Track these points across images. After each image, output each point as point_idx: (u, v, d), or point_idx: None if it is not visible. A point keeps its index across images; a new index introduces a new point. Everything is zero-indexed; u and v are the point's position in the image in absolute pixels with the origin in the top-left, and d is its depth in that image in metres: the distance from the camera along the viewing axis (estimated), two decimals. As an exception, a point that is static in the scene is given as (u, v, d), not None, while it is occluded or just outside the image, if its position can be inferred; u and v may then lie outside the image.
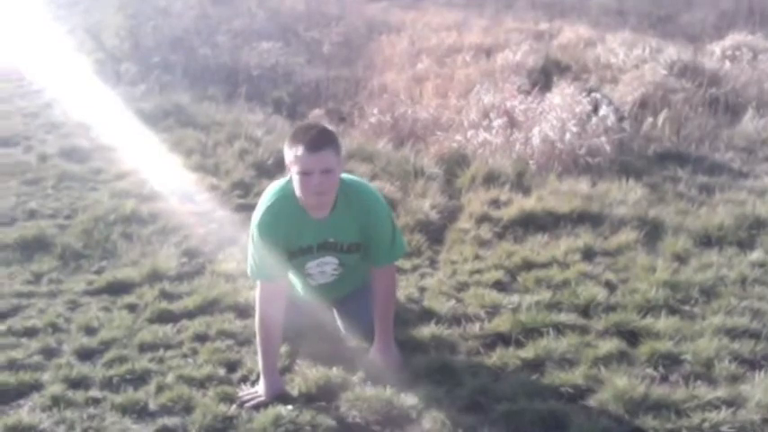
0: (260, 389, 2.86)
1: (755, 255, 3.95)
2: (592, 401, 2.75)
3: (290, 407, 2.74)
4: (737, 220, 4.34)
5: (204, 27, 11.19)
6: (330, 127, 3.02)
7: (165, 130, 6.61)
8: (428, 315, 3.44)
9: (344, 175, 3.00)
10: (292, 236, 2.91)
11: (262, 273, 2.95)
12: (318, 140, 2.71)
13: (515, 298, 3.55)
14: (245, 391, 2.88)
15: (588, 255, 4.05)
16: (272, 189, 2.96)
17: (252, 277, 3.05)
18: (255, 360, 3.08)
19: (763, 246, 4.07)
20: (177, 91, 7.93)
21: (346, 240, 2.97)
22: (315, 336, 3.21)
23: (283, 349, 3.13)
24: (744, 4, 12.13)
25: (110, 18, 10.70)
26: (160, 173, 5.43)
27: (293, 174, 2.76)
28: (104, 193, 5.17)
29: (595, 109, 6.31)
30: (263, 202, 2.93)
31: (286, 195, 2.86)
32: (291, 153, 2.73)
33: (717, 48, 9.49)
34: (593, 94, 6.70)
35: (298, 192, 2.78)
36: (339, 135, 2.91)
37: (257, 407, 2.78)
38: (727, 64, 8.64)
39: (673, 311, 3.39)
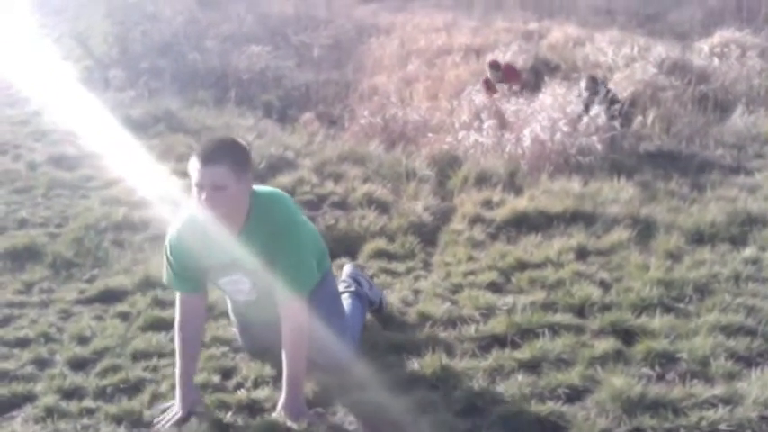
0: (175, 404, 2.77)
1: (748, 251, 3.96)
2: (589, 402, 2.74)
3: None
4: (729, 216, 4.35)
5: (193, 32, 11.18)
6: (239, 141, 2.76)
7: (155, 135, 6.59)
8: (423, 318, 3.42)
9: (262, 190, 2.84)
10: (201, 251, 2.77)
11: (178, 284, 2.85)
12: (212, 154, 2.56)
13: (510, 299, 3.55)
14: (158, 417, 2.77)
15: (582, 254, 4.05)
16: (188, 203, 2.82)
17: (169, 287, 2.93)
18: (251, 366, 3.07)
19: (756, 242, 4.08)
20: (166, 96, 7.91)
21: (254, 260, 2.74)
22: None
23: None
24: (731, 1, 12.21)
25: (98, 25, 10.67)
26: (151, 179, 5.41)
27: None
28: (95, 201, 5.14)
29: (587, 108, 6.37)
30: (177, 217, 2.83)
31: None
32: (191, 163, 2.60)
33: (705, 45, 9.54)
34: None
35: None
36: (246, 150, 2.72)
37: (176, 424, 2.70)
38: (716, 61, 8.70)
39: (667, 310, 3.38)
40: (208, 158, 2.55)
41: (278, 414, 2.71)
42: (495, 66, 8.50)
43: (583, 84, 7.15)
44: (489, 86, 8.30)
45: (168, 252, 2.83)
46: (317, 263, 2.94)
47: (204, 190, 2.56)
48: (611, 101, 6.84)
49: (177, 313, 2.88)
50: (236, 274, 2.84)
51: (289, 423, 2.66)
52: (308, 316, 2.78)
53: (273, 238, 2.71)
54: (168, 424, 2.72)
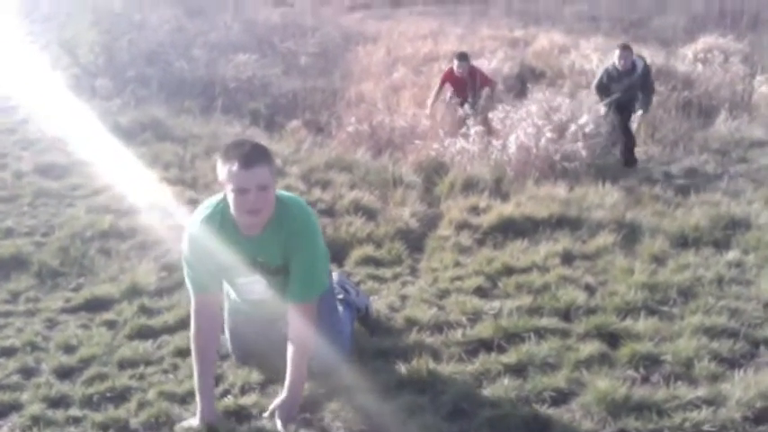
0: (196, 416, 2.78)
1: (731, 254, 4.00)
2: (574, 405, 2.76)
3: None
4: (713, 220, 4.40)
5: (180, 40, 11.18)
6: (262, 143, 2.87)
7: (142, 143, 6.58)
8: (410, 323, 3.44)
9: (282, 193, 2.88)
10: (221, 252, 2.80)
11: (194, 283, 2.86)
12: (253, 156, 2.62)
13: (496, 304, 3.57)
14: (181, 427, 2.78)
15: (567, 259, 4.08)
16: (207, 203, 2.88)
17: (188, 288, 2.93)
18: (238, 373, 3.07)
19: (739, 245, 4.13)
20: (153, 104, 7.90)
21: (273, 262, 2.83)
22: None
23: (269, 365, 3.11)
24: (714, 7, 12.34)
25: (85, 33, 10.64)
26: (138, 187, 5.40)
27: (228, 191, 2.66)
28: (81, 209, 5.12)
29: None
30: (195, 216, 2.86)
31: (219, 211, 2.77)
32: (225, 170, 2.63)
33: (689, 51, 9.65)
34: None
35: (232, 210, 2.68)
36: (272, 151, 2.81)
37: None
38: (699, 67, 8.79)
39: (652, 313, 3.42)
40: (251, 161, 2.60)
41: (269, 413, 2.73)
42: (462, 57, 7.97)
43: (617, 52, 6.92)
44: (449, 80, 7.84)
45: (186, 246, 2.84)
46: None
47: (250, 192, 2.61)
48: (646, 72, 6.67)
49: (193, 320, 2.87)
50: (254, 274, 2.88)
51: (278, 427, 2.67)
52: (316, 322, 2.81)
53: (292, 238, 2.77)
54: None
